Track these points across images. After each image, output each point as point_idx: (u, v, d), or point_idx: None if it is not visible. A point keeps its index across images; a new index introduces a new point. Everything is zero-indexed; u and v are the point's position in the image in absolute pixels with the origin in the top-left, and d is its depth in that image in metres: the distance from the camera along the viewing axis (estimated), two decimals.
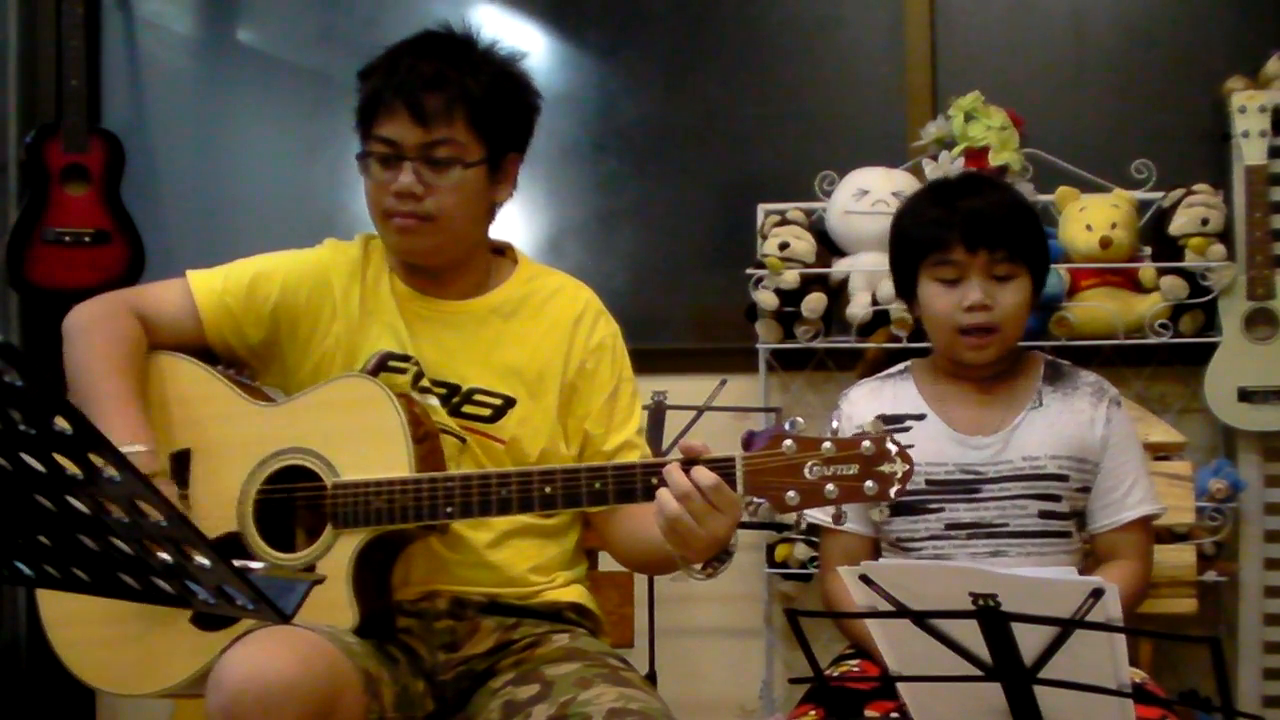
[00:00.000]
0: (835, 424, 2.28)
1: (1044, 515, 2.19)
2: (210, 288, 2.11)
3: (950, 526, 2.20)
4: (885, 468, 1.78)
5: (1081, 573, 1.94)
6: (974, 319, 2.17)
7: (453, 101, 2.02)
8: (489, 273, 2.17)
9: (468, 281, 2.14)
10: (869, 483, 1.78)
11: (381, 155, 2.04)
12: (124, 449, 1.84)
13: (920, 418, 2.23)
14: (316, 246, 2.19)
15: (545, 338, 2.13)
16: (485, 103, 2.04)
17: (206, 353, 2.11)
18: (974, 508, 2.20)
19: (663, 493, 1.80)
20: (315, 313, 2.11)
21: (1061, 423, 2.23)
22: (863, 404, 2.29)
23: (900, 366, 2.35)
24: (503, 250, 2.22)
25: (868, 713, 2.01)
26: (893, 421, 2.24)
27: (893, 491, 1.77)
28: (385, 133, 2.03)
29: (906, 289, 2.28)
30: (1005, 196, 2.28)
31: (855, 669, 2.17)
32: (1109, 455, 2.23)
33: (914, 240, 2.24)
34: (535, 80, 2.15)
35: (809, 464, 1.78)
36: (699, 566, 1.89)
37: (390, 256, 2.14)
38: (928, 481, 2.20)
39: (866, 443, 1.77)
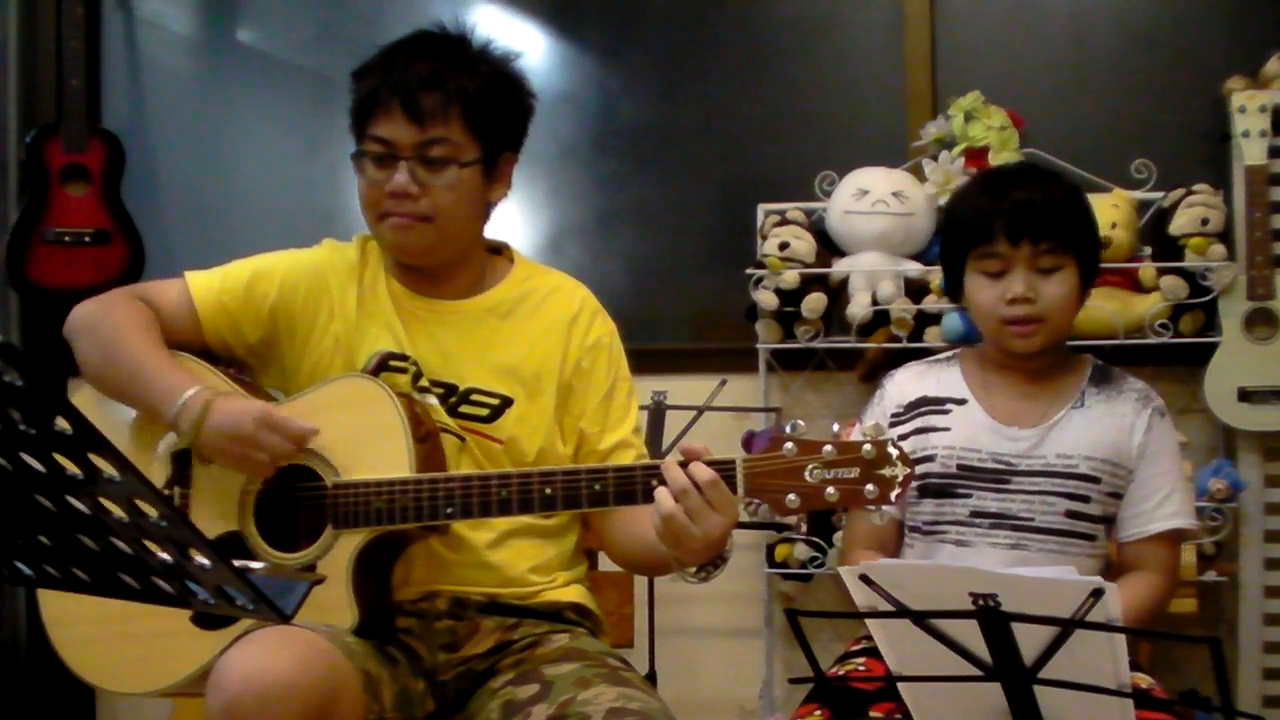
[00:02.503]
0: (876, 404, 2.30)
1: (1071, 515, 2.18)
2: (208, 287, 2.11)
3: (975, 514, 2.19)
4: (886, 471, 1.77)
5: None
6: (1016, 311, 2.17)
7: (449, 100, 2.01)
8: (485, 272, 2.17)
9: (464, 281, 2.14)
10: (869, 486, 1.77)
11: (376, 155, 2.04)
12: (185, 394, 1.93)
13: (961, 402, 2.24)
14: (314, 247, 2.19)
15: (542, 337, 2.13)
16: (481, 102, 2.04)
17: (205, 353, 2.12)
18: (1002, 498, 2.19)
19: (660, 490, 1.80)
20: (313, 313, 2.11)
21: (1101, 425, 2.21)
22: (908, 385, 2.29)
23: (949, 353, 2.35)
24: (499, 250, 2.22)
25: (872, 713, 2.01)
26: (932, 404, 2.26)
27: (893, 495, 1.77)
28: (380, 132, 2.03)
29: (954, 283, 2.27)
30: (1056, 187, 2.24)
31: (861, 668, 2.17)
32: (1145, 464, 2.21)
33: (960, 228, 2.25)
34: (530, 80, 2.15)
35: (809, 466, 1.78)
36: (693, 569, 1.89)
37: (386, 257, 2.14)
38: (959, 466, 2.20)
39: (868, 446, 1.77)
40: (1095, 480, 2.19)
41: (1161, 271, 3.09)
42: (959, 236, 2.25)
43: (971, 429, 2.21)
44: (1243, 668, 3.11)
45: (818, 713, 2.07)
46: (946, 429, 2.23)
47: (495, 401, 2.08)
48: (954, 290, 2.29)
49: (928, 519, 2.23)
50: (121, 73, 3.75)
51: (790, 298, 3.19)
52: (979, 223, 2.19)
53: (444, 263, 2.11)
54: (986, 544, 2.18)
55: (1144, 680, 2.12)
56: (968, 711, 1.70)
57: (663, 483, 1.81)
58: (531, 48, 3.67)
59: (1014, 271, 2.17)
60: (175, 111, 3.79)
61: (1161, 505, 2.21)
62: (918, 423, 2.25)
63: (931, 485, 2.20)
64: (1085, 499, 2.19)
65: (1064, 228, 2.18)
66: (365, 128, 2.05)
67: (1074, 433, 2.20)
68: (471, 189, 2.06)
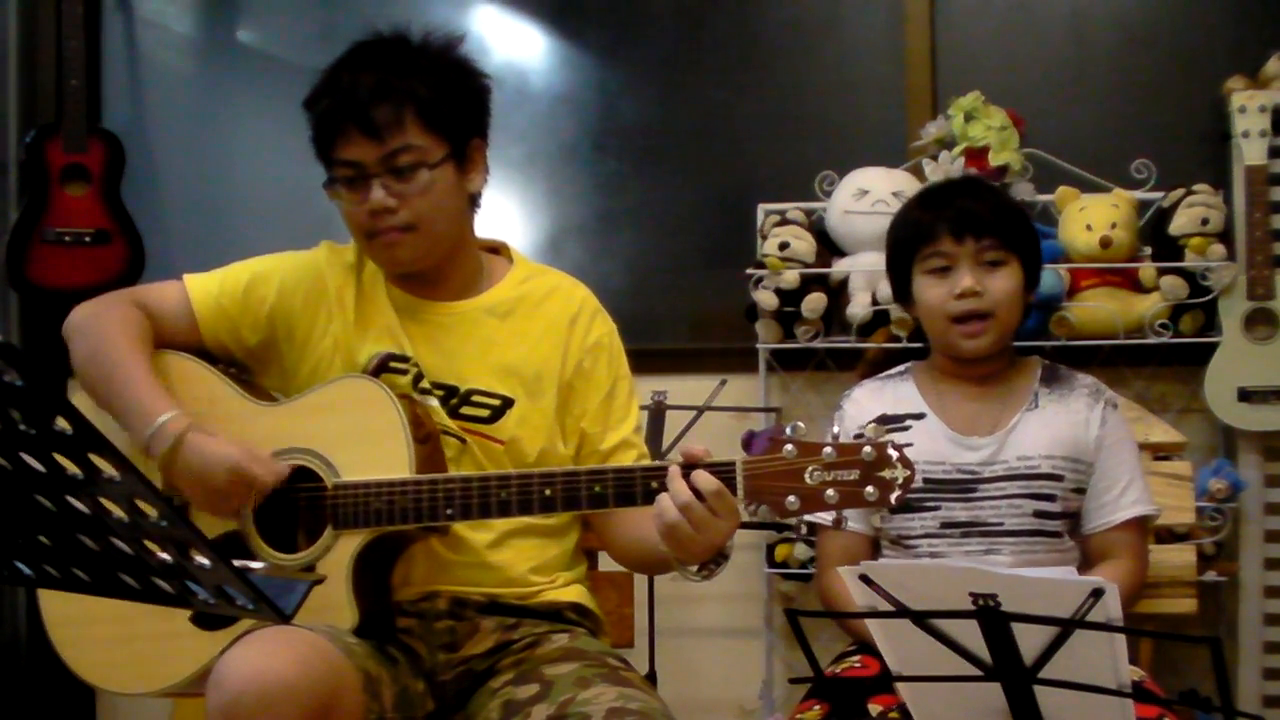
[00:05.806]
0: (836, 425, 2.31)
1: (1038, 515, 2.21)
2: (206, 291, 2.12)
3: (945, 525, 2.22)
4: (886, 473, 1.77)
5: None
6: (965, 305, 2.20)
7: (401, 107, 2.00)
8: (482, 272, 2.16)
9: (460, 281, 2.13)
10: (869, 488, 1.77)
11: (347, 179, 2.03)
12: (160, 419, 1.93)
13: (920, 417, 2.25)
14: (312, 249, 2.18)
15: (542, 337, 2.13)
16: (433, 100, 2.02)
17: (204, 356, 2.11)
18: (970, 507, 2.22)
19: (663, 498, 1.80)
20: (312, 315, 2.11)
21: (1057, 423, 2.25)
22: (865, 404, 2.31)
23: (901, 368, 2.37)
24: (498, 250, 2.22)
25: (871, 706, 2.01)
26: (892, 421, 2.26)
27: (893, 497, 1.77)
28: (344, 155, 2.02)
29: (903, 291, 2.30)
30: (996, 194, 2.35)
31: (857, 665, 2.18)
32: (1104, 456, 2.24)
33: (904, 237, 2.29)
34: (480, 61, 2.13)
35: (809, 469, 1.78)
36: (695, 569, 1.89)
37: None
38: (925, 480, 2.21)
39: (867, 448, 1.77)
40: (1058, 478, 2.22)
41: (1161, 271, 3.09)
42: (904, 244, 2.29)
43: (932, 442, 2.23)
44: (1243, 668, 3.11)
45: (816, 708, 2.08)
46: (908, 445, 2.24)
47: (496, 402, 2.08)
48: (903, 297, 2.32)
49: (901, 533, 2.25)
50: (121, 73, 3.75)
51: (790, 298, 3.19)
52: (923, 228, 2.25)
53: (438, 264, 2.10)
54: (959, 552, 2.20)
55: (1137, 672, 2.13)
56: (968, 711, 1.70)
57: (662, 485, 1.80)
58: (531, 48, 3.68)
59: (959, 267, 2.21)
60: (175, 111, 3.78)
61: (1124, 494, 2.24)
62: None
63: None
64: (1050, 497, 2.22)
65: (1006, 227, 2.24)
66: (330, 154, 2.05)
67: (1031, 434, 2.24)
68: (448, 187, 2.05)
